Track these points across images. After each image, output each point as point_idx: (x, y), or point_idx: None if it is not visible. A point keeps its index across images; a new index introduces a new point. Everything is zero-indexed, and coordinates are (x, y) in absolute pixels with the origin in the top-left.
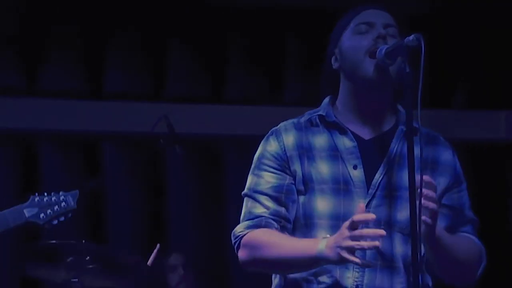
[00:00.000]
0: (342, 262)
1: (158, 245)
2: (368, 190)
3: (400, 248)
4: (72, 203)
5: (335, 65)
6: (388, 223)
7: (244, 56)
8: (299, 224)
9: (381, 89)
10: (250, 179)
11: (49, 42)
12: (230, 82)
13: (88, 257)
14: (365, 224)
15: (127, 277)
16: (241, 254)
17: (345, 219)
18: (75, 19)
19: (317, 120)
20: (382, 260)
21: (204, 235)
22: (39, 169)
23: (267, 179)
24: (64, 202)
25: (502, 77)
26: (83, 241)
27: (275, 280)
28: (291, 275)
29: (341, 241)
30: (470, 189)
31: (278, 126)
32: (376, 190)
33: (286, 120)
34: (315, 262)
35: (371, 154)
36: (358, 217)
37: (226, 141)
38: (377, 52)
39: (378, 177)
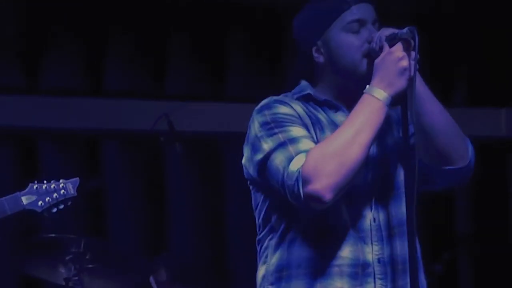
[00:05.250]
0: (411, 81)
1: None
2: (371, 163)
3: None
4: (72, 190)
5: (318, 58)
6: (391, 188)
7: (245, 53)
8: None
9: (367, 82)
10: (268, 141)
11: (49, 40)
12: (231, 80)
13: (88, 255)
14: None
15: (126, 274)
16: (312, 181)
17: (360, 190)
18: (76, 17)
19: (306, 99)
20: (398, 226)
21: (205, 233)
22: (39, 167)
23: (299, 131)
24: (63, 190)
25: (502, 74)
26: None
27: (273, 259)
28: (301, 254)
29: (399, 64)
30: (470, 187)
31: (273, 98)
32: (373, 159)
33: None
34: (385, 110)
35: None
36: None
37: (227, 139)
38: (371, 44)
39: (373, 149)
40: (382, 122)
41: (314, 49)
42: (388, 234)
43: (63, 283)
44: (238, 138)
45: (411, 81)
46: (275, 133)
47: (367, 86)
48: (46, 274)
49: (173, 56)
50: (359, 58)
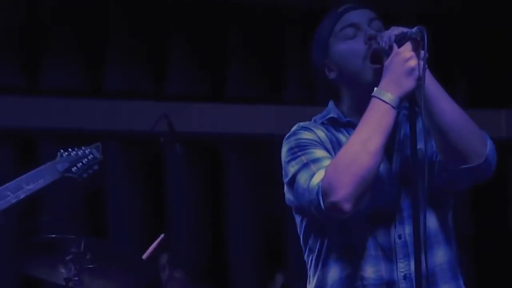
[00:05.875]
0: (420, 81)
1: (162, 235)
2: (393, 178)
3: (432, 220)
4: (98, 154)
5: (330, 75)
6: (415, 203)
7: (245, 54)
8: None
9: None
10: (293, 164)
11: (49, 40)
12: (230, 81)
13: (88, 255)
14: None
15: (127, 274)
16: (330, 194)
17: (384, 206)
18: (76, 17)
19: (331, 122)
20: (427, 241)
21: (204, 233)
22: None
23: (321, 153)
24: (91, 155)
25: (502, 74)
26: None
27: (314, 279)
28: (333, 275)
29: (406, 64)
30: (470, 188)
31: (301, 124)
32: (395, 174)
33: (286, 118)
34: (394, 112)
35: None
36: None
37: (226, 139)
38: (381, 43)
39: (395, 164)
40: (392, 124)
41: (326, 68)
42: (415, 249)
43: (63, 283)
44: (238, 139)
45: (420, 81)
46: (298, 156)
47: (375, 88)
48: (46, 274)
49: (173, 56)
50: (361, 62)
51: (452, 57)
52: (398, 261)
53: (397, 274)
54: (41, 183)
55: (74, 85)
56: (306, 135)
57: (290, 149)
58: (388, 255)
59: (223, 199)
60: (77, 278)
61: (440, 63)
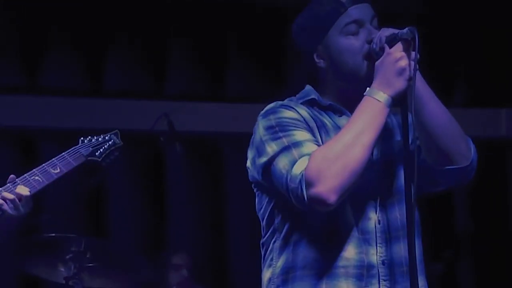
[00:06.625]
0: (411, 80)
1: None
2: (374, 166)
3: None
4: (118, 140)
5: (319, 63)
6: (397, 192)
7: (244, 53)
8: None
9: (369, 84)
10: (272, 144)
11: (49, 40)
12: (230, 80)
13: (88, 254)
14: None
15: (126, 273)
16: (316, 183)
17: (365, 192)
18: (76, 17)
19: (311, 104)
20: (402, 229)
21: (204, 233)
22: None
23: (303, 135)
24: (111, 140)
25: (502, 74)
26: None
27: (278, 261)
28: (306, 256)
29: (397, 64)
30: (470, 187)
31: (280, 102)
32: (379, 162)
33: None
34: (386, 111)
35: None
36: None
37: (226, 139)
38: (372, 44)
39: (376, 153)
40: (384, 123)
41: (315, 54)
42: (392, 236)
43: (63, 282)
44: (238, 138)
45: (411, 81)
46: (279, 137)
47: (368, 88)
48: (46, 273)
49: (173, 56)
50: (359, 61)
51: (452, 57)
52: (377, 245)
53: (376, 258)
54: (67, 166)
55: (74, 85)
56: (289, 114)
57: (270, 127)
58: (368, 238)
59: (223, 198)
60: (77, 277)
61: (440, 63)
